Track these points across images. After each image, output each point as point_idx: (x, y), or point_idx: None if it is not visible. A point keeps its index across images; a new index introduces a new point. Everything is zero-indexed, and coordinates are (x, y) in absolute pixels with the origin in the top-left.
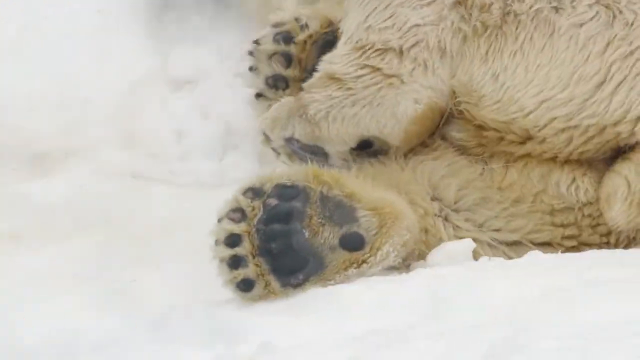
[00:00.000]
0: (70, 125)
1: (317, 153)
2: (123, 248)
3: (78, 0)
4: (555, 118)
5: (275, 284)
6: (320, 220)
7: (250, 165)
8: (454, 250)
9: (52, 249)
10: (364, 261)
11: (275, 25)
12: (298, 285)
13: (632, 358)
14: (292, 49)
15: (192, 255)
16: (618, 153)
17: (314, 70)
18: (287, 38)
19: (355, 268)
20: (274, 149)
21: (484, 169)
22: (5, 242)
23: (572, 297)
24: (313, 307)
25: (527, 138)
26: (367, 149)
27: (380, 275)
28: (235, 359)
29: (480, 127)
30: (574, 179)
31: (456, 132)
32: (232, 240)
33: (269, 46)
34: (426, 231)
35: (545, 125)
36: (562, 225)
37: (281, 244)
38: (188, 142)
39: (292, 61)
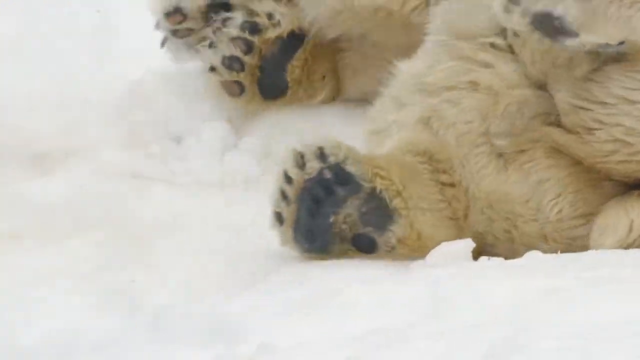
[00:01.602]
0: (70, 125)
1: None
2: (123, 248)
3: (78, 0)
4: None
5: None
6: (352, 212)
7: (250, 165)
8: (453, 250)
9: (51, 248)
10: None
11: (248, 13)
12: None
13: (633, 358)
14: (257, 40)
15: (192, 255)
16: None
17: (273, 60)
18: (254, 29)
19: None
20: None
21: None
22: (5, 242)
23: (572, 297)
24: (313, 307)
25: None
26: None
27: (380, 274)
28: (235, 359)
29: None
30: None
31: None
32: (286, 181)
33: (233, 31)
34: None
35: None
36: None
37: (307, 214)
38: (187, 143)
39: (253, 50)
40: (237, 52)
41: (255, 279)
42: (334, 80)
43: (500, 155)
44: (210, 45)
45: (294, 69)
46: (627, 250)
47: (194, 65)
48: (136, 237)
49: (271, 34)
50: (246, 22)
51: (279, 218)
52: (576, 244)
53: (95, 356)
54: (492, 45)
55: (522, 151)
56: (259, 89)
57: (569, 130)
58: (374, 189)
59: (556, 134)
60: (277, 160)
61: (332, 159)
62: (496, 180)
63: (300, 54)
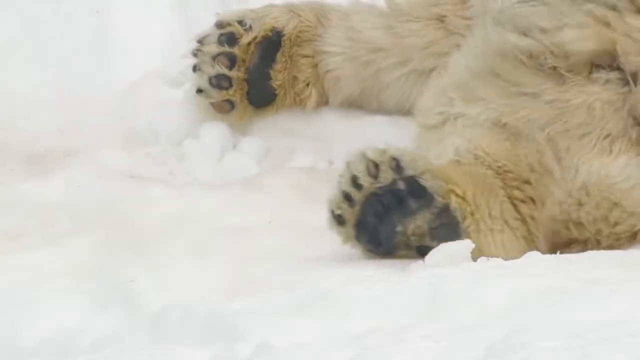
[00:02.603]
0: (68, 125)
1: None
2: (121, 248)
3: (77, 0)
4: None
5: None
6: (421, 224)
7: (249, 165)
8: (453, 251)
9: (50, 248)
10: None
11: (219, 26)
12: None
13: (630, 359)
14: (236, 50)
15: (191, 255)
16: None
17: (256, 70)
18: (231, 40)
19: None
20: None
21: None
22: (3, 242)
23: (570, 297)
24: (312, 307)
25: None
26: None
27: (379, 274)
28: (233, 359)
29: None
30: None
31: None
32: (354, 186)
33: (213, 48)
34: None
35: None
36: None
37: (374, 218)
38: (186, 143)
39: (236, 62)
40: (223, 69)
41: (254, 280)
42: (319, 87)
43: (608, 136)
44: (195, 69)
45: (277, 74)
46: (626, 251)
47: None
48: (135, 238)
49: (246, 39)
50: (222, 35)
51: (339, 220)
52: None
53: (94, 356)
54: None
55: None
56: (249, 101)
57: None
58: (447, 206)
59: None
60: (276, 160)
61: (408, 172)
62: (599, 162)
63: (280, 57)
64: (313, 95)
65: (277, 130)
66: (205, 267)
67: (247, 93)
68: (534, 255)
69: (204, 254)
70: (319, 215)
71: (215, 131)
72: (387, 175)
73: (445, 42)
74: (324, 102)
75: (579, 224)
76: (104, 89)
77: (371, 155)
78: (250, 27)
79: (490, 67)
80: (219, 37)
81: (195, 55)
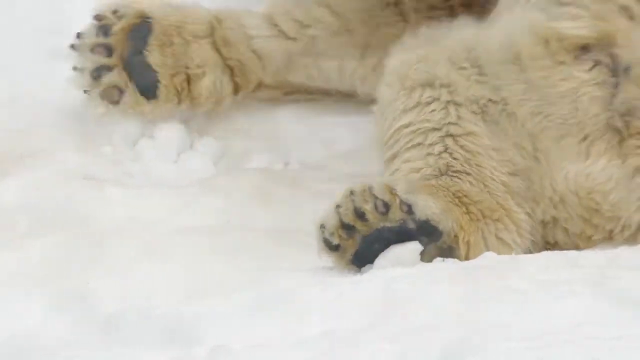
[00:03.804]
0: (25, 127)
1: None
2: (79, 250)
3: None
4: None
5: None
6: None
7: (205, 166)
8: (401, 254)
9: (8, 251)
10: None
11: (97, 19)
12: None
13: None
14: (111, 40)
15: (148, 257)
16: None
17: (133, 57)
18: (106, 30)
19: None
20: None
21: None
22: None
23: (526, 299)
24: (268, 309)
25: None
26: None
27: (334, 276)
28: None
29: None
30: None
31: None
32: (358, 217)
33: (92, 39)
34: None
35: None
36: None
37: (377, 251)
38: (143, 144)
39: (113, 51)
40: (102, 60)
41: (211, 281)
42: (221, 72)
43: (586, 139)
44: (75, 69)
45: (151, 55)
46: (581, 252)
47: None
48: (92, 239)
49: (118, 26)
50: (98, 27)
51: (334, 247)
52: None
53: (50, 359)
54: None
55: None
56: (137, 89)
57: None
58: (453, 245)
59: None
60: (232, 161)
61: (419, 216)
62: (578, 165)
63: (152, 41)
64: (207, 81)
65: (233, 130)
66: (161, 268)
67: (132, 80)
68: (490, 256)
69: (161, 255)
70: (274, 215)
71: (171, 132)
72: (396, 215)
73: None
74: (230, 90)
75: (563, 229)
76: (60, 90)
77: (378, 191)
78: (123, 15)
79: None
80: (96, 30)
81: (74, 47)
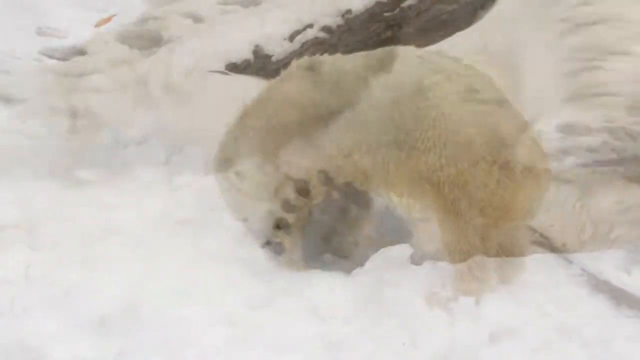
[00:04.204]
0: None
1: None
2: (67, 251)
3: None
4: None
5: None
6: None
7: (195, 169)
8: (393, 255)
9: None
10: None
11: None
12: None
13: None
14: None
15: (137, 257)
16: None
17: None
18: None
19: None
20: None
21: None
22: None
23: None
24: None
25: None
26: None
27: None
28: None
29: None
30: None
31: None
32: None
33: None
34: None
35: None
36: None
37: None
38: (131, 149)
39: None
40: None
41: (200, 283)
42: None
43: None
44: None
45: None
46: None
47: None
48: (80, 241)
49: None
50: None
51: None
52: None
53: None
54: None
55: None
56: None
57: None
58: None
59: None
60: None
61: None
62: None
63: None
64: None
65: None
66: (154, 268)
67: None
68: None
69: (151, 256)
70: None
71: (159, 135)
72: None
73: None
74: None
75: None
76: None
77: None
78: None
79: None
80: None
81: None
